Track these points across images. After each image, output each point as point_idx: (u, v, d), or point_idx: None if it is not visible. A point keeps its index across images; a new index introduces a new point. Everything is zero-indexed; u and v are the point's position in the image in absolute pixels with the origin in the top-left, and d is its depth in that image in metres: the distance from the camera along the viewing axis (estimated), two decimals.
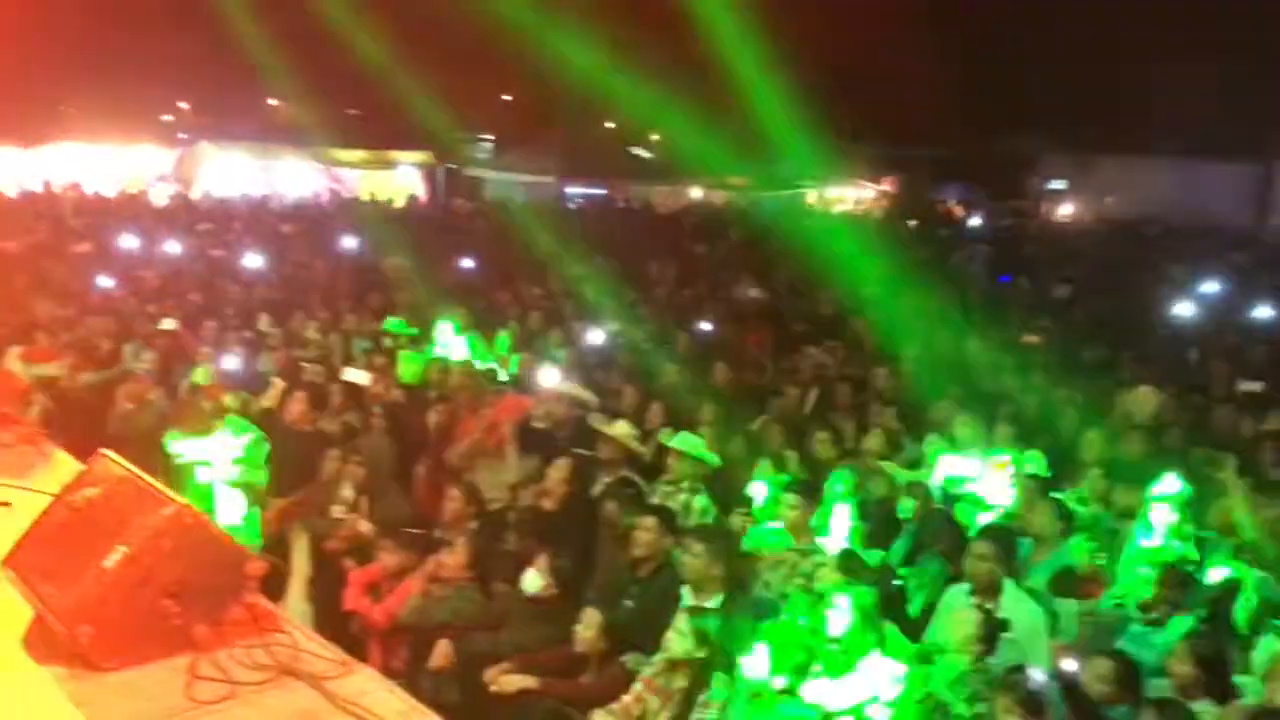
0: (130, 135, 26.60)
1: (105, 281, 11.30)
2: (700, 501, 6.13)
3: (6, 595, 3.33)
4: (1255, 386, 8.88)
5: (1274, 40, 23.16)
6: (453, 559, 5.11)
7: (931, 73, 30.85)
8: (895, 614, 5.13)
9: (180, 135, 29.82)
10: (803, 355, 9.83)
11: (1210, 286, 13.67)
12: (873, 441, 7.33)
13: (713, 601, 4.82)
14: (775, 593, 5.57)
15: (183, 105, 35.92)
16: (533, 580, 5.10)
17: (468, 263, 14.25)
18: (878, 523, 6.22)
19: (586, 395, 7.68)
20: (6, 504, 4.13)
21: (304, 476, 6.62)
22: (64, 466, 4.79)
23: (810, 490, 6.02)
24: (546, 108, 35.35)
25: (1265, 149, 26.20)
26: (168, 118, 34.56)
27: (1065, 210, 30.33)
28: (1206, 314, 12.32)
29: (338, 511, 5.99)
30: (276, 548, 5.81)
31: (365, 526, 5.84)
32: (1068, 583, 5.61)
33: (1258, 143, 26.04)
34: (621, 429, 7.07)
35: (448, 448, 6.86)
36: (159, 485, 3.34)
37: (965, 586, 5.20)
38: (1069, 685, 4.63)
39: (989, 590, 5.08)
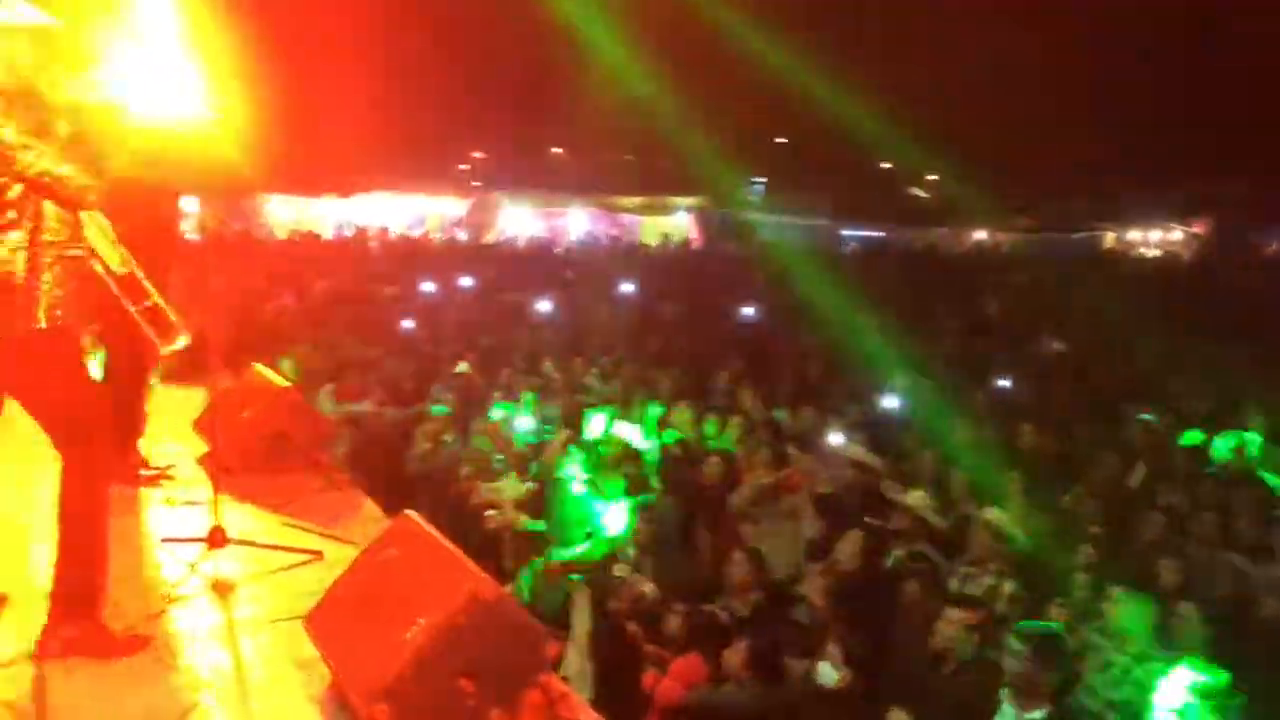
0: (431, 185, 28.71)
1: (408, 323, 11.96)
2: (1009, 587, 5.49)
3: (306, 654, 3.34)
4: None
5: None
6: (735, 658, 4.78)
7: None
8: None
9: (474, 184, 31.84)
10: (1125, 419, 8.82)
11: None
12: (1207, 525, 6.35)
13: (1039, 714, 4.21)
14: (1102, 704, 4.88)
15: (477, 155, 38.42)
16: (828, 672, 4.68)
17: (746, 310, 14.05)
18: (1224, 627, 5.32)
19: (873, 459, 7.18)
20: (318, 554, 4.23)
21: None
22: (369, 516, 4.92)
23: (1142, 581, 5.25)
24: (820, 149, 35.02)
25: None
26: (463, 167, 37.07)
27: None
28: None
29: (620, 570, 5.84)
30: (554, 602, 5.72)
31: (649, 588, 5.64)
32: None
33: None
34: (918, 499, 6.54)
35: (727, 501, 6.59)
36: (458, 552, 3.25)
37: None
38: None
39: None
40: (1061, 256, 25.90)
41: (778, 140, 40.55)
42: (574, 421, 8.44)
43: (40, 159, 3.07)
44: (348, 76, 23.29)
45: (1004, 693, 4.42)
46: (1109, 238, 29.87)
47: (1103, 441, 8.11)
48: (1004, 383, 9.60)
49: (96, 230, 3.40)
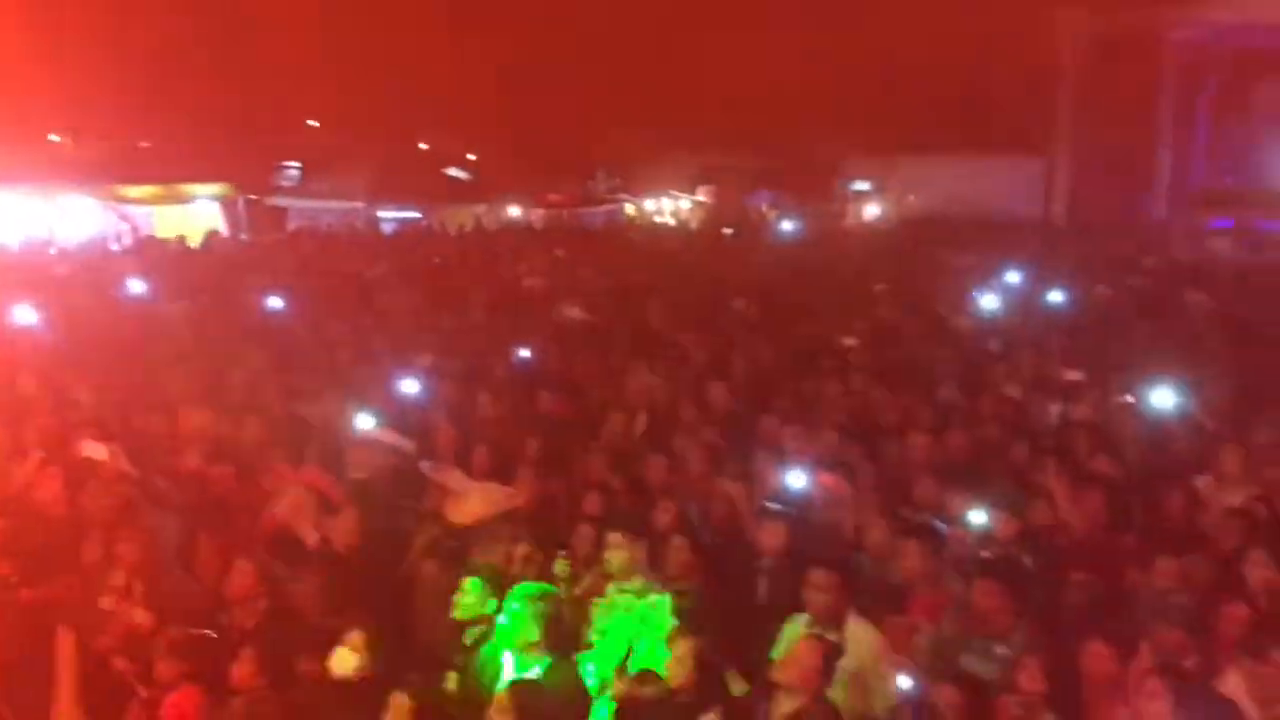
0: None
1: None
2: (522, 549, 5.68)
3: None
4: (1076, 375, 9.06)
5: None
6: (241, 670, 4.47)
7: (741, 82, 31.60)
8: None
9: None
10: (631, 376, 9.51)
11: (1007, 276, 14.09)
12: (696, 460, 7.03)
13: (536, 670, 4.39)
14: (612, 642, 5.22)
15: None
16: (343, 660, 4.54)
17: (275, 300, 13.20)
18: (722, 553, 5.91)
19: (401, 440, 7.13)
20: None
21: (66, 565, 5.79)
22: None
23: (638, 524, 5.69)
24: (355, 131, 34.32)
25: (1044, 143, 27.75)
26: None
27: (872, 210, 31.35)
28: (1008, 303, 12.65)
29: (107, 603, 5.24)
30: (33, 651, 5.01)
31: (142, 617, 5.12)
32: (896, 600, 5.45)
33: (1037, 137, 27.65)
34: (456, 478, 6.59)
35: (240, 514, 6.16)
36: None
37: (805, 618, 4.95)
38: (922, 709, 4.46)
39: (830, 621, 4.84)
40: (588, 228, 27.64)
41: (310, 123, 39.06)
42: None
43: None
44: None
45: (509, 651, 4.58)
46: (629, 209, 32.30)
47: (613, 400, 8.66)
48: (524, 352, 9.93)
49: None
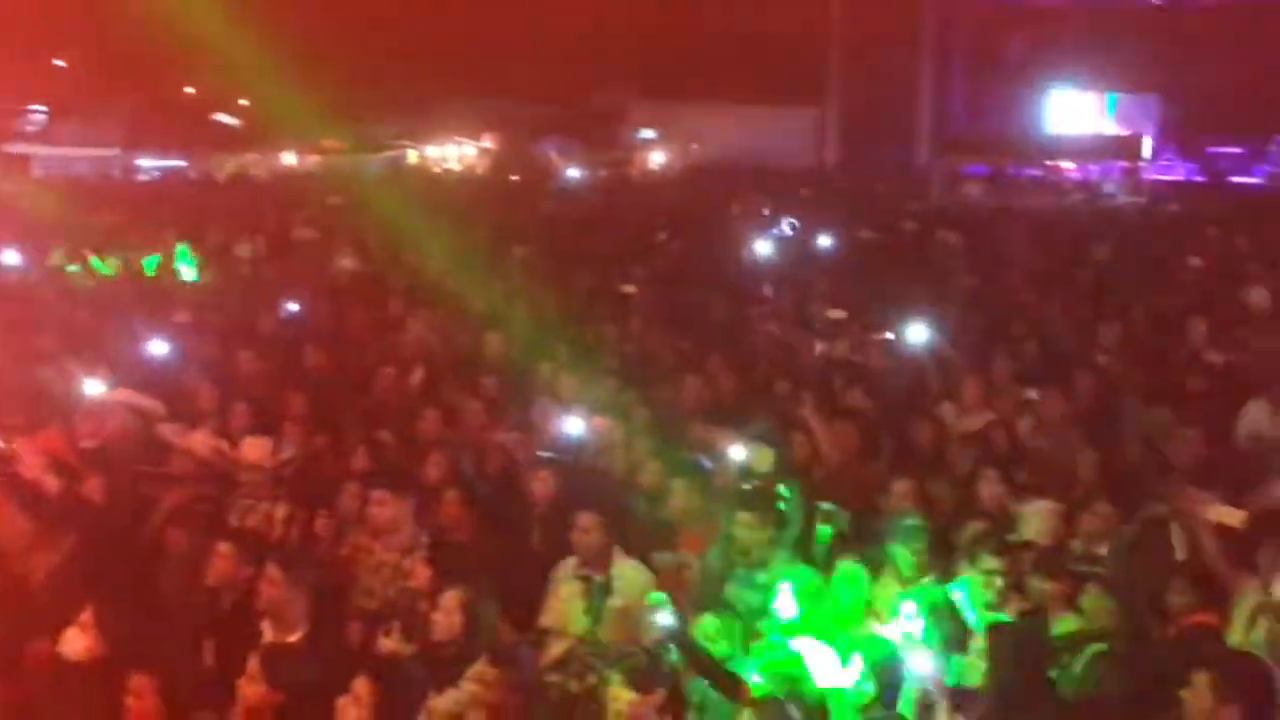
0: None
1: None
2: (283, 510, 5.44)
3: None
4: (839, 314, 9.46)
5: None
6: None
7: (526, 27, 31.09)
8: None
9: None
10: (407, 328, 9.29)
11: (783, 222, 14.57)
12: (474, 414, 6.94)
13: (295, 636, 4.22)
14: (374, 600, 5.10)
15: None
16: (73, 641, 4.21)
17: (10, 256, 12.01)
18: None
19: (146, 401, 6.68)
20: None
21: None
22: None
23: (402, 481, 5.56)
24: (110, 73, 31.60)
25: (816, 93, 28.79)
26: None
27: (657, 158, 31.62)
28: (780, 247, 13.08)
29: None
30: None
31: None
32: (666, 536, 5.58)
33: (810, 87, 28.62)
34: (201, 440, 6.24)
35: None
36: None
37: (573, 561, 4.99)
38: (685, 644, 4.57)
39: (598, 562, 4.90)
40: (370, 176, 26.68)
41: (57, 63, 35.75)
42: None
43: None
44: None
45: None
46: (413, 155, 31.35)
47: (388, 353, 8.41)
48: (293, 305, 9.48)
49: None
